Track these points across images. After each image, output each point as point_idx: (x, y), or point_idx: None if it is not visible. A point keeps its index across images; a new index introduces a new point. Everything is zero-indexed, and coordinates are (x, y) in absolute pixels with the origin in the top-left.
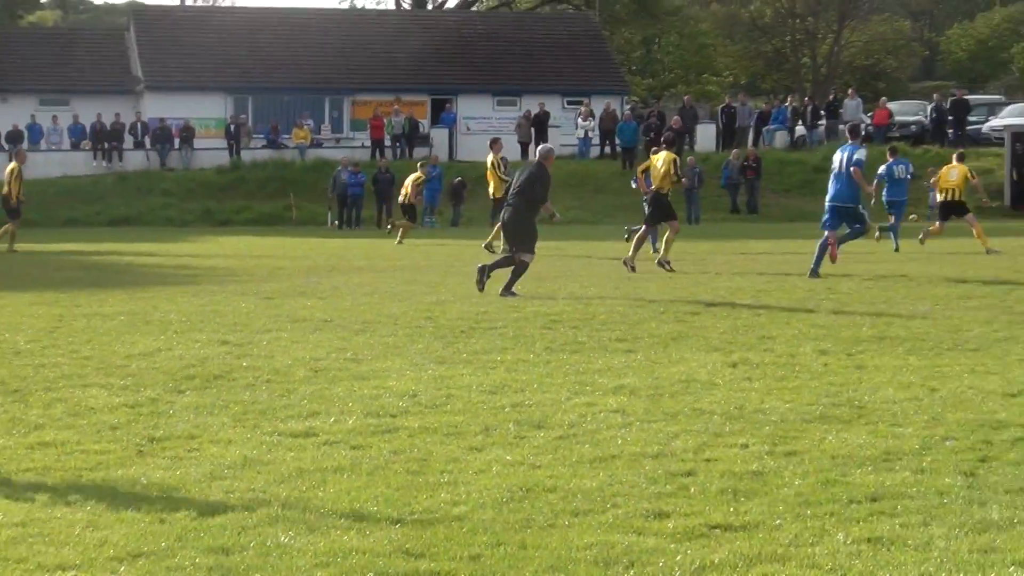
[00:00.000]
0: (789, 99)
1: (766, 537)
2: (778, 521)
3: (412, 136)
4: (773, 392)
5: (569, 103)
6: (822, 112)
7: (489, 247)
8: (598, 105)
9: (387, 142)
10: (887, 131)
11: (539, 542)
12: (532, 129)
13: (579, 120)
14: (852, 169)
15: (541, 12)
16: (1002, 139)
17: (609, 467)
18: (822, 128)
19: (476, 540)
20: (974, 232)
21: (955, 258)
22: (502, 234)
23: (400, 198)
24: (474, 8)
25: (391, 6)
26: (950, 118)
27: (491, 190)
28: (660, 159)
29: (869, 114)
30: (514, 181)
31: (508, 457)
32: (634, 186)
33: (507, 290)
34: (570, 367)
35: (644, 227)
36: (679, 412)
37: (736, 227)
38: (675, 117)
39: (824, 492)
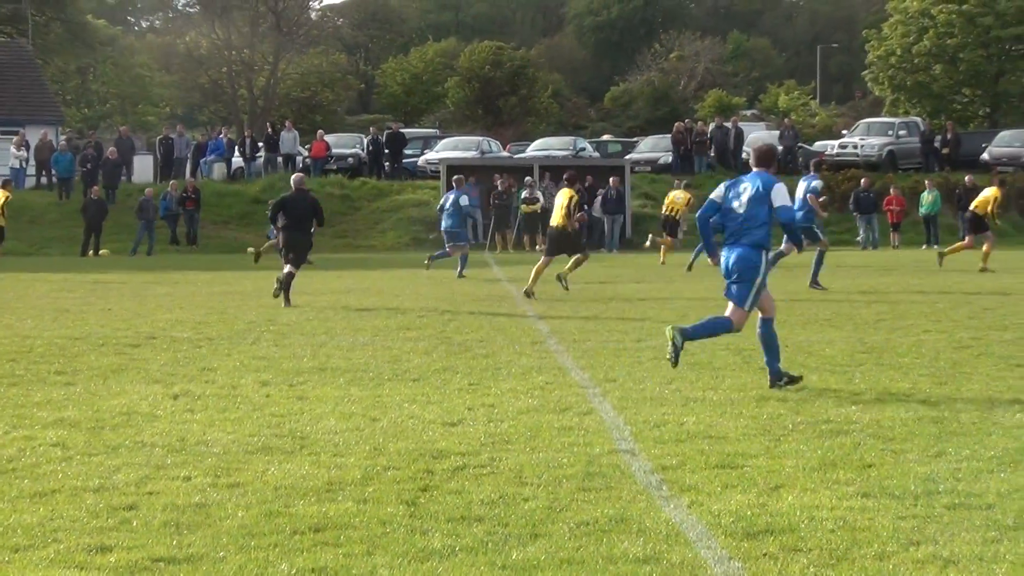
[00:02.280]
0: (225, 131)
1: (210, 569)
2: (222, 553)
3: None
4: (215, 424)
5: (3, 133)
6: (260, 144)
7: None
8: (33, 135)
9: None
10: (325, 163)
11: None
12: None
13: (13, 150)
14: (808, 196)
15: None
16: (438, 172)
17: (50, 502)
18: (260, 160)
19: None
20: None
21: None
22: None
23: None
24: None
25: None
26: (386, 151)
27: None
28: (560, 195)
29: (307, 146)
30: None
31: None
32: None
33: None
34: (8, 400)
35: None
36: (120, 445)
37: (176, 258)
38: (111, 148)
39: (268, 523)
